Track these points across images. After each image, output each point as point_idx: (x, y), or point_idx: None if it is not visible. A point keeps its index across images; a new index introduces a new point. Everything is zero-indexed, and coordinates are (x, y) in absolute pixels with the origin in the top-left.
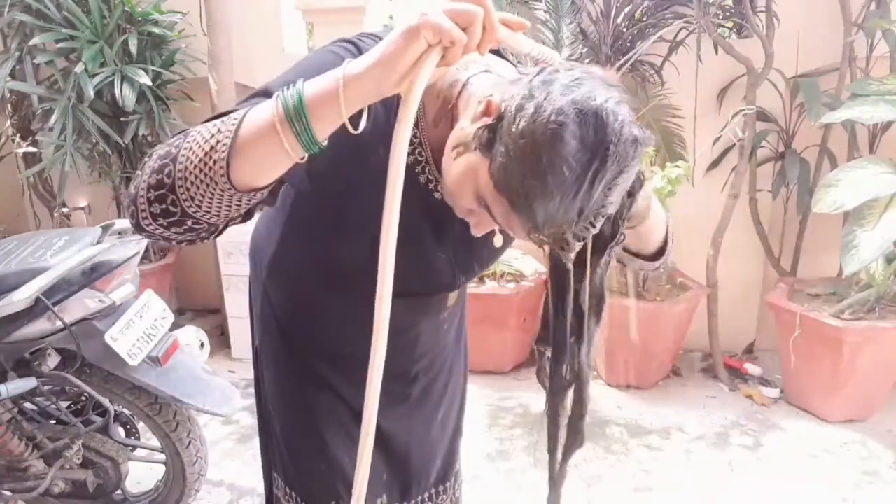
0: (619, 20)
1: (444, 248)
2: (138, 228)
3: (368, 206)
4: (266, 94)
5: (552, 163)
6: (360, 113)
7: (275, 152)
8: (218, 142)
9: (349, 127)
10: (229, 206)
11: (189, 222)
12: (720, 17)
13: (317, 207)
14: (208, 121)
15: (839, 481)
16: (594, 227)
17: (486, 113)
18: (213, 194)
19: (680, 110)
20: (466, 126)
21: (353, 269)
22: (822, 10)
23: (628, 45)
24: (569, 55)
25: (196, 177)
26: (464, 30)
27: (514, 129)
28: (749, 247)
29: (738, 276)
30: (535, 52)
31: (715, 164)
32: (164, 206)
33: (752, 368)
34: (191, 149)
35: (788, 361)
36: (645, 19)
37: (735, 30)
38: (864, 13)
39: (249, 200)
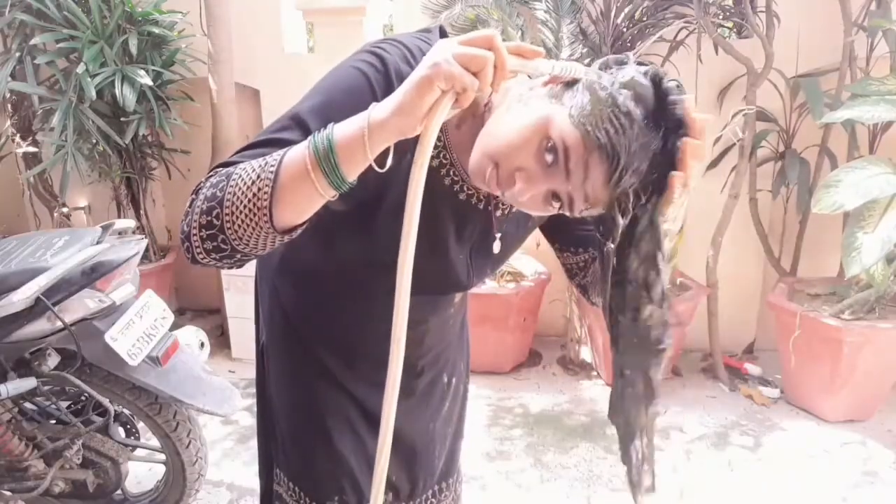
0: (619, 20)
1: (463, 249)
2: (194, 262)
3: (390, 208)
4: (295, 119)
5: (630, 110)
6: (386, 151)
7: (309, 194)
8: (259, 189)
9: (375, 167)
10: (273, 243)
11: (238, 255)
12: (720, 17)
13: (334, 209)
14: (245, 150)
15: (839, 481)
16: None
17: (551, 82)
18: (258, 236)
19: None
20: (531, 84)
21: (369, 268)
22: (822, 10)
23: (628, 45)
24: (569, 55)
25: (242, 221)
26: (475, 73)
27: (596, 83)
28: (749, 247)
29: (738, 276)
30: (556, 70)
31: (715, 164)
32: (215, 243)
33: (752, 368)
34: (234, 194)
35: (788, 361)
36: (645, 19)
37: (735, 30)
38: (865, 13)
39: (291, 237)
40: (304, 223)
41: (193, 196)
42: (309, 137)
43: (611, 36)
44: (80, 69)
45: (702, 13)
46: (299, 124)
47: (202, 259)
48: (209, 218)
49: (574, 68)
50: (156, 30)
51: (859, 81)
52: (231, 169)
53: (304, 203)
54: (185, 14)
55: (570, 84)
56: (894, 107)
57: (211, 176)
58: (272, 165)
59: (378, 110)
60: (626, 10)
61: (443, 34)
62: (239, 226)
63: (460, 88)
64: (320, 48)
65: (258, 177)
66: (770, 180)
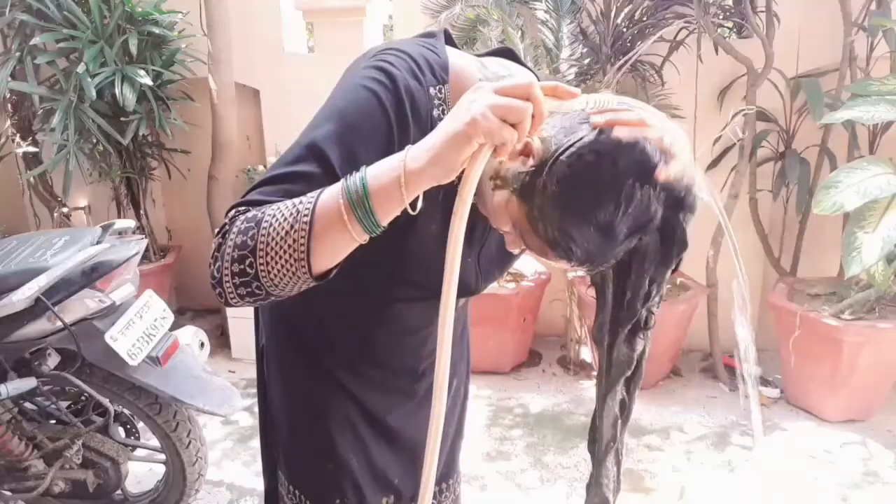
0: (619, 20)
1: (471, 253)
2: (227, 305)
3: (398, 218)
4: (311, 149)
5: (590, 200)
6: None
7: (345, 241)
8: (295, 241)
9: (409, 210)
10: (308, 286)
11: (273, 297)
12: (720, 17)
13: None
14: (264, 185)
15: (839, 481)
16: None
17: (523, 152)
18: (295, 283)
19: (680, 110)
20: (504, 160)
21: (372, 274)
22: (822, 10)
23: (628, 45)
24: (569, 55)
25: (279, 271)
26: (514, 125)
27: (553, 179)
28: (749, 247)
29: None
30: (589, 107)
31: (715, 163)
32: (249, 289)
33: None
34: (267, 243)
35: (788, 361)
36: (645, 19)
37: (735, 30)
38: (865, 13)
39: (327, 279)
40: (336, 267)
41: (220, 240)
42: (340, 182)
43: (611, 36)
44: (81, 69)
45: (702, 13)
46: (316, 154)
47: (235, 303)
48: (242, 266)
49: (608, 101)
50: (156, 30)
51: (859, 81)
52: (259, 215)
53: (339, 249)
54: (185, 14)
55: (534, 179)
56: (894, 107)
57: (235, 218)
58: (305, 215)
59: (413, 158)
60: (626, 10)
61: (448, 40)
62: (275, 275)
63: (499, 143)
64: (320, 48)
65: (291, 227)
66: (770, 180)
